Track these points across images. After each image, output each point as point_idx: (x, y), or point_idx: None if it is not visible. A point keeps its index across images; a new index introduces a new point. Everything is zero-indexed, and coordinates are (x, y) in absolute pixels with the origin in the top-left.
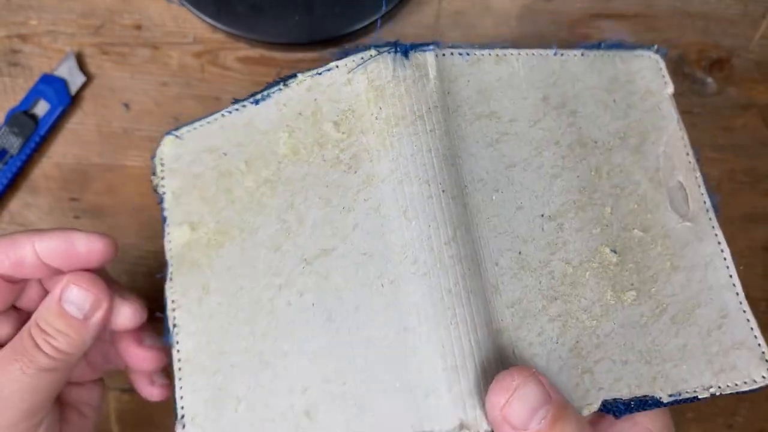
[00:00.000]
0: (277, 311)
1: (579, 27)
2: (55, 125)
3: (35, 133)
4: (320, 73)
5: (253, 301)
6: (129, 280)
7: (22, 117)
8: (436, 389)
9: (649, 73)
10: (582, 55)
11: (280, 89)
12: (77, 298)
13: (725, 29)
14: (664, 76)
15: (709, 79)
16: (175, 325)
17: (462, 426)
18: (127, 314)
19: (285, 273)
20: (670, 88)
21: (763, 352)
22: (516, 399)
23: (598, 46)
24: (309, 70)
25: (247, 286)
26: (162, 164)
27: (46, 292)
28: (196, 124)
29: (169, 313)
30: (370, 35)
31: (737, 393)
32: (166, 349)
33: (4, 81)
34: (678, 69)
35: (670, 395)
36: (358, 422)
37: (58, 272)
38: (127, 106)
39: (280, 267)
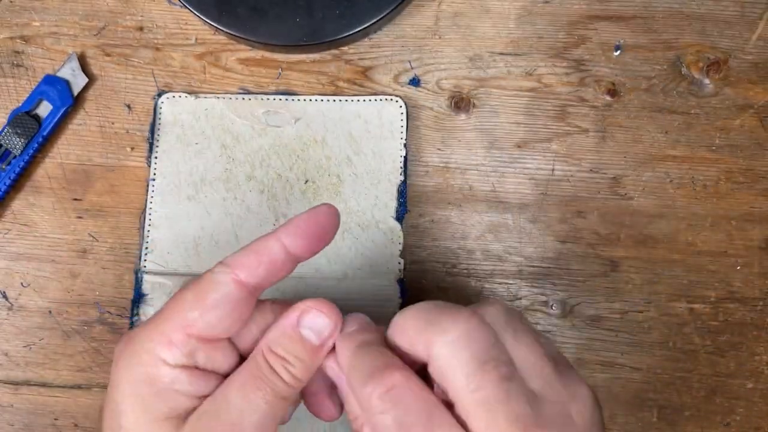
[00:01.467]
0: None
1: (577, 28)
2: (58, 126)
3: (38, 134)
4: None
5: None
6: (131, 278)
7: (25, 118)
8: None
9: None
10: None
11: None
12: (317, 323)
13: (722, 31)
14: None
15: (707, 80)
16: None
17: None
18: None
19: None
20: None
21: None
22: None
23: None
24: None
25: None
26: None
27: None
28: None
29: None
30: (369, 37)
31: None
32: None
33: (7, 82)
34: (675, 70)
35: None
36: None
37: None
38: (129, 107)
39: None
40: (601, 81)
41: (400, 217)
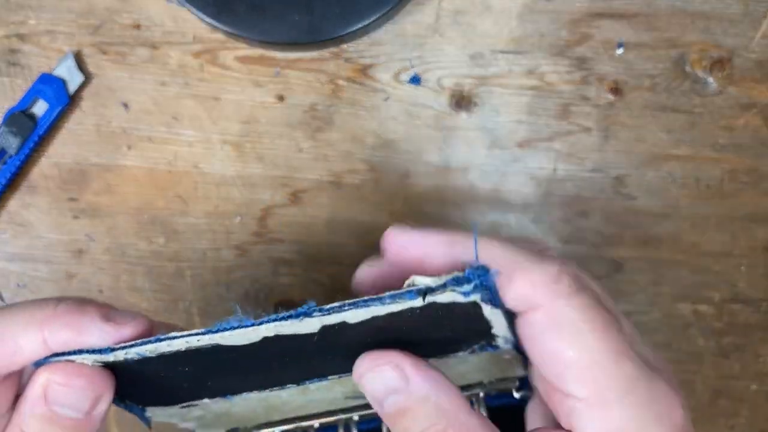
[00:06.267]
0: None
1: (579, 26)
2: (54, 125)
3: (34, 133)
4: None
5: None
6: (128, 279)
7: (20, 117)
8: None
9: None
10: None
11: None
12: (69, 399)
13: (726, 29)
14: None
15: (710, 79)
16: None
17: None
18: None
19: None
20: None
21: None
22: (366, 379)
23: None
24: None
25: None
26: None
27: None
28: None
29: None
30: (369, 35)
31: None
32: None
33: (3, 81)
34: (678, 68)
35: None
36: None
37: None
38: (126, 105)
39: None
40: (603, 79)
41: None
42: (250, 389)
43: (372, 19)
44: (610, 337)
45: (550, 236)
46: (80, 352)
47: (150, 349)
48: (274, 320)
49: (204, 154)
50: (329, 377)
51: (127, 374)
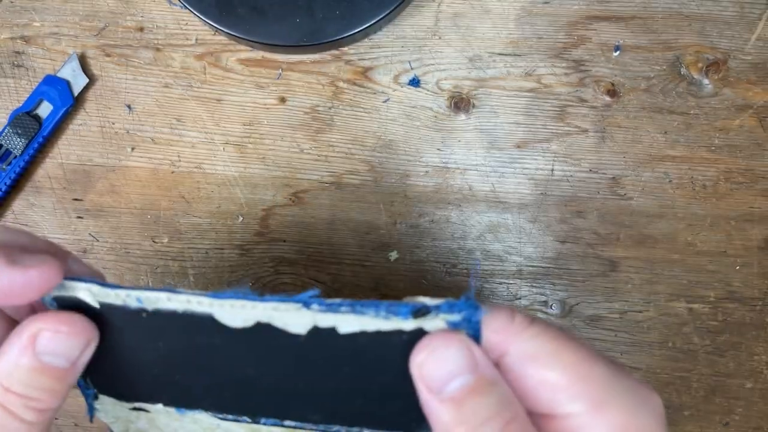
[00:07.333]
0: None
1: (576, 29)
2: (59, 126)
3: (39, 134)
4: None
5: None
6: (133, 278)
7: (25, 118)
8: None
9: None
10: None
11: None
12: (60, 347)
13: (722, 31)
14: None
15: (706, 81)
16: None
17: None
18: None
19: None
20: None
21: None
22: (432, 359)
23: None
24: None
25: None
26: None
27: None
28: None
29: None
30: (370, 37)
31: None
32: None
33: (8, 82)
34: (675, 70)
35: None
36: None
37: None
38: (129, 107)
39: None
40: (600, 81)
41: None
42: (207, 407)
43: (372, 22)
44: (575, 347)
45: (546, 236)
46: (86, 280)
47: (150, 299)
48: (276, 300)
49: (207, 155)
50: (285, 422)
51: (107, 337)
